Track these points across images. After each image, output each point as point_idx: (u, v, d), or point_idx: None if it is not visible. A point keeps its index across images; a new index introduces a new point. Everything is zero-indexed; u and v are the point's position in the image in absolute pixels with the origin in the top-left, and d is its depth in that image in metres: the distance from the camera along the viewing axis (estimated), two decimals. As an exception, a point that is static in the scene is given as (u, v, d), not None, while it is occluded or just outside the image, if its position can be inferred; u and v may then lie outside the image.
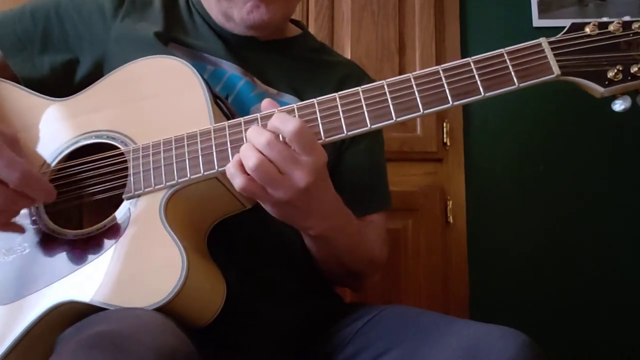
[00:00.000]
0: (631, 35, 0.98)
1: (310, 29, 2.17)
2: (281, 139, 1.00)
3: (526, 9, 2.32)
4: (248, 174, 1.00)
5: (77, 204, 1.18)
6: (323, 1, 2.20)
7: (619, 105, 0.99)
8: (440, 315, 1.16)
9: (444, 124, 2.20)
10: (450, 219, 2.16)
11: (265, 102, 1.08)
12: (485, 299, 2.17)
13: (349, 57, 2.10)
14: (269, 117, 1.05)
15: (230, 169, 1.01)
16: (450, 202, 2.18)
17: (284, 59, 1.41)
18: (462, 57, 2.15)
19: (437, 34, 2.22)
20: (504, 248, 2.25)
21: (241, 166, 1.00)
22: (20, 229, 1.11)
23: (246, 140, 1.02)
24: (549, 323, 2.18)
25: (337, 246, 1.20)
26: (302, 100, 1.30)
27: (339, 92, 1.05)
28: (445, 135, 2.20)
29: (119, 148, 1.14)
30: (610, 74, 0.97)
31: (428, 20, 2.22)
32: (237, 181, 1.00)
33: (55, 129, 1.21)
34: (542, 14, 2.31)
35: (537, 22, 2.31)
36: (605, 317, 2.21)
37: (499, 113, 2.28)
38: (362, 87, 1.05)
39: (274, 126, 1.00)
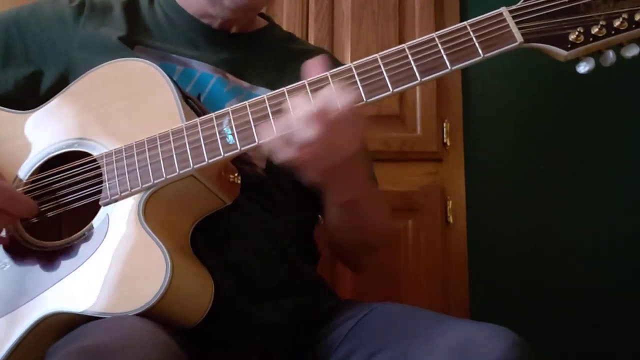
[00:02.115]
0: (589, -4, 0.98)
1: (310, 28, 2.17)
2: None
3: (526, 9, 2.31)
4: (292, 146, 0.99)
5: (54, 215, 1.17)
6: (323, 1, 2.18)
7: (583, 67, 0.99)
8: (432, 313, 1.16)
9: (444, 124, 2.18)
10: (450, 219, 2.13)
11: (315, 60, 1.07)
12: (485, 299, 2.14)
13: (349, 56, 2.11)
14: (241, 109, 1.06)
15: (277, 143, 1.00)
16: (450, 202, 2.15)
17: (254, 52, 1.41)
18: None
19: (437, 34, 2.21)
20: (504, 248, 2.22)
21: (283, 143, 0.99)
22: (4, 240, 1.11)
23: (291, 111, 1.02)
24: (549, 323, 2.15)
25: (363, 212, 1.21)
26: None
27: (308, 79, 1.05)
28: (445, 135, 2.17)
29: (91, 155, 1.14)
30: (572, 37, 0.97)
31: (428, 20, 2.19)
32: (284, 155, 0.99)
33: (24, 142, 1.20)
34: (542, 14, 2.30)
35: (537, 22, 2.30)
36: (606, 317, 2.18)
37: (499, 113, 2.26)
38: (331, 71, 1.04)
39: (326, 96, 0.99)
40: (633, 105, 2.23)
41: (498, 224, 2.23)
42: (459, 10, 2.26)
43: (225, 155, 1.05)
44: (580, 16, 0.97)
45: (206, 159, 1.05)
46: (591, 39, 0.96)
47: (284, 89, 1.05)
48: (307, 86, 1.04)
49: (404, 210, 2.11)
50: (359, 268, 1.50)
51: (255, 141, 1.04)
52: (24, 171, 1.17)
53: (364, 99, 1.02)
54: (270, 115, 1.04)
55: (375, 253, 1.41)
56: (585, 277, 2.20)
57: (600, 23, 0.95)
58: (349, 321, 1.22)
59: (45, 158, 1.17)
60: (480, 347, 0.94)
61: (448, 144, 2.17)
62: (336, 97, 0.98)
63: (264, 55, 1.42)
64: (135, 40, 1.33)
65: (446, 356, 0.96)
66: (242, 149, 1.05)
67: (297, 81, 1.33)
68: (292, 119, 0.99)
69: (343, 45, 2.18)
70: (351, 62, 1.95)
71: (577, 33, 0.96)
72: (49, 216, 1.16)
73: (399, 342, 1.09)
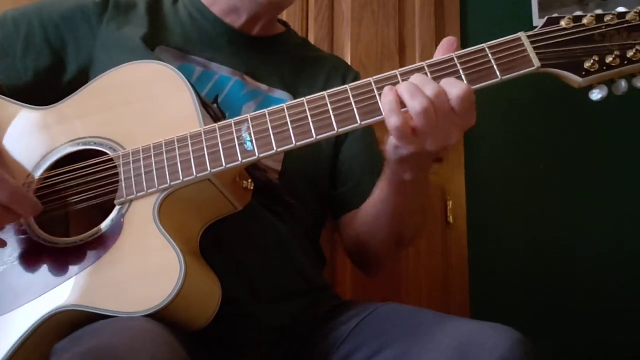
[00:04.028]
0: (604, 27, 1.01)
1: (310, 28, 2.17)
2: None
3: (526, 8, 2.32)
4: (405, 115, 0.99)
5: (64, 213, 1.17)
6: (323, 1, 2.18)
7: (596, 95, 1.02)
8: (434, 313, 1.17)
9: (445, 124, 2.18)
10: (451, 219, 2.13)
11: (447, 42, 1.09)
12: (486, 299, 2.16)
13: (349, 57, 2.11)
14: (260, 117, 1.08)
15: (390, 105, 1.00)
16: (450, 202, 2.15)
17: (273, 56, 1.43)
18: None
19: (437, 34, 2.20)
20: (504, 248, 2.25)
21: (399, 106, 0.99)
22: (2, 244, 1.10)
23: (401, 89, 1.01)
24: (549, 323, 2.18)
25: (416, 196, 1.22)
26: (293, 95, 1.35)
27: (328, 91, 1.07)
28: (445, 135, 2.17)
29: (106, 154, 1.14)
30: (587, 65, 1.01)
31: (428, 20, 2.20)
32: (395, 120, 0.99)
33: (40, 138, 1.20)
34: (543, 13, 2.30)
35: (537, 21, 2.30)
36: (606, 316, 2.22)
37: (499, 113, 2.28)
38: (350, 85, 1.07)
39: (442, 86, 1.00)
40: (632, 105, 2.25)
41: (498, 224, 2.26)
42: (459, 11, 2.28)
43: (243, 161, 1.07)
44: (596, 45, 1.01)
45: (224, 164, 1.07)
46: (605, 68, 1.00)
47: (304, 99, 1.08)
48: (286, 109, 1.08)
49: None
50: (378, 268, 1.47)
51: (273, 149, 1.06)
52: (39, 167, 1.17)
53: (383, 114, 1.03)
54: (290, 124, 1.06)
55: (404, 248, 1.41)
56: (585, 276, 2.25)
57: (615, 53, 1.00)
58: (352, 320, 1.23)
59: (61, 155, 1.17)
60: (483, 345, 0.95)
61: (448, 143, 2.17)
62: (452, 90, 1.00)
63: (281, 60, 1.44)
64: (157, 40, 1.34)
65: (450, 354, 0.97)
66: (260, 156, 1.07)
67: (313, 86, 1.36)
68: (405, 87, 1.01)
69: (343, 45, 2.18)
70: (351, 62, 1.99)
71: (592, 61, 1.00)
72: (60, 213, 1.16)
73: (401, 341, 1.10)
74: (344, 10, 2.19)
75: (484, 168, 2.25)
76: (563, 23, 1.02)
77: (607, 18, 1.01)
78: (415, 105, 0.98)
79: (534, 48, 1.02)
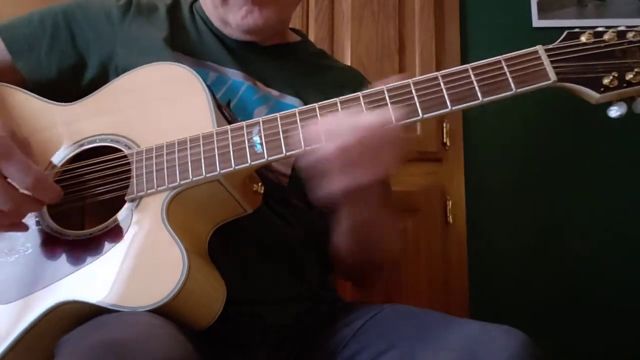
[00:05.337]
0: (626, 44, 1.00)
1: (310, 28, 2.19)
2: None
3: (526, 9, 2.33)
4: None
5: (79, 206, 1.19)
6: (323, 1, 2.20)
7: (614, 112, 1.01)
8: (440, 314, 1.17)
9: (444, 124, 2.20)
10: (450, 219, 2.16)
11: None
12: (485, 298, 2.18)
13: (349, 56, 2.13)
14: (271, 120, 1.08)
15: (318, 135, 1.03)
16: (450, 202, 2.18)
17: (285, 63, 1.44)
18: (462, 57, 2.17)
19: (437, 33, 2.22)
20: (504, 248, 2.26)
21: (330, 133, 1.02)
22: (25, 228, 1.11)
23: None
24: (549, 323, 2.19)
25: (372, 235, 1.22)
26: (303, 101, 1.35)
27: (340, 97, 1.07)
28: (445, 136, 2.20)
29: (122, 151, 1.16)
30: (605, 81, 0.99)
31: (428, 20, 2.22)
32: (323, 150, 1.02)
33: (60, 133, 1.22)
34: (542, 14, 2.32)
35: (536, 22, 2.32)
36: (606, 317, 2.22)
37: (499, 113, 2.29)
38: (363, 92, 1.07)
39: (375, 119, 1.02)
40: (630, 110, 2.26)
41: (497, 224, 2.28)
42: (458, 11, 2.30)
43: (252, 163, 1.07)
44: (616, 61, 0.99)
45: (233, 165, 1.07)
46: (625, 85, 0.98)
47: (316, 105, 1.08)
48: (362, 98, 1.07)
49: (404, 210, 2.14)
50: (365, 285, 1.52)
51: (282, 152, 1.06)
52: (57, 160, 1.19)
53: (394, 122, 1.04)
54: (300, 128, 1.06)
55: (381, 272, 1.42)
56: (585, 276, 2.25)
57: (635, 70, 0.98)
58: (357, 321, 1.24)
59: (78, 150, 1.19)
60: (490, 347, 0.96)
61: (448, 144, 2.20)
62: (389, 115, 1.01)
63: (293, 67, 1.44)
64: (175, 44, 1.36)
65: (456, 354, 0.98)
66: (269, 158, 1.07)
67: (325, 94, 1.36)
68: (343, 117, 1.03)
69: (343, 45, 2.20)
70: (351, 62, 2.00)
71: (611, 77, 0.99)
72: (74, 205, 1.18)
73: (407, 341, 1.10)
74: (344, 10, 2.21)
75: (484, 168, 2.27)
76: (583, 38, 1.01)
77: (629, 35, 0.99)
78: (345, 140, 1.00)
79: (551, 62, 1.01)
